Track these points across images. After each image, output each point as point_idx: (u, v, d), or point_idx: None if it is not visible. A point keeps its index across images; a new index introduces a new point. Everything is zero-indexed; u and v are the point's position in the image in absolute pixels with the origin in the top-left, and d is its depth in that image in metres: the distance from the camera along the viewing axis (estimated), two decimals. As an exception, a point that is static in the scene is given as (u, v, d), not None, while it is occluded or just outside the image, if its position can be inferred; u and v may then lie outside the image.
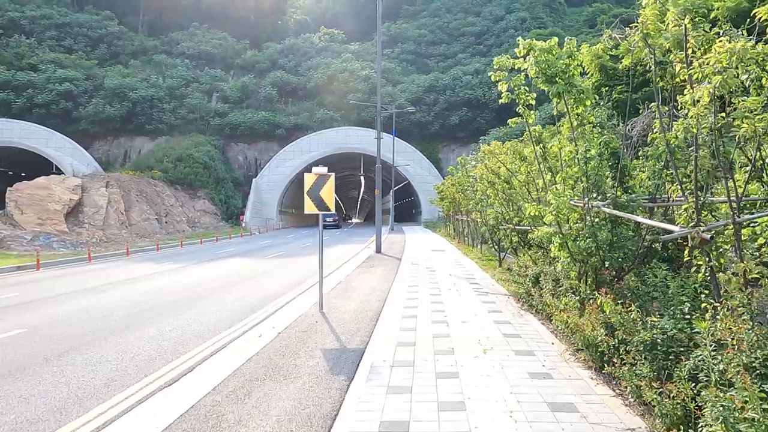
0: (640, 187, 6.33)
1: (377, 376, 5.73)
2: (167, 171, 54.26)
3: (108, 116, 63.88)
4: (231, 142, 68.92)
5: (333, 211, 9.22)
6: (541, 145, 7.40)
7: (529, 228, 9.79)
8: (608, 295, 5.39)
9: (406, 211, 79.63)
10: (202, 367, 6.47)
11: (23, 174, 52.73)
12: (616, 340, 5.08)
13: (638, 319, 4.86)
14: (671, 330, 4.54)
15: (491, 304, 9.76)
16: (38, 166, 55.87)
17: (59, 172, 53.05)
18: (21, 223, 35.91)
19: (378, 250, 22.28)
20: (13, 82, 63.81)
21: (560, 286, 7.95)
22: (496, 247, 15.47)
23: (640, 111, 8.92)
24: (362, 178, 77.67)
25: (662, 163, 5.97)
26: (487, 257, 18.21)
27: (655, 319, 4.63)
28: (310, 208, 9.16)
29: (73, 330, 8.83)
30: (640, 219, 5.36)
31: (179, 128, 66.77)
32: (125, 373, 6.50)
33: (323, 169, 9.06)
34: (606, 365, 5.33)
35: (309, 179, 9.10)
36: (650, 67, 5.77)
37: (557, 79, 6.02)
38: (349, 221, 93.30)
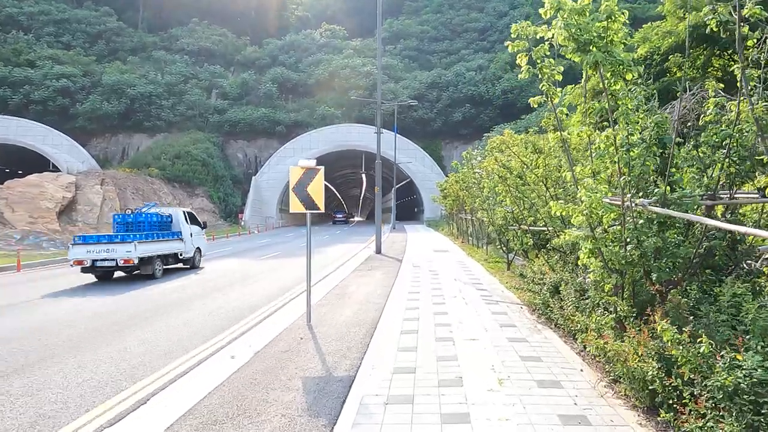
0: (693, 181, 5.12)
1: (367, 418, 4.56)
2: (165, 168, 53.20)
3: (105, 113, 62.83)
4: (230, 139, 67.81)
5: (322, 209, 8.04)
6: (567, 131, 6.19)
7: (545, 229, 8.60)
8: (664, 318, 4.20)
9: (408, 209, 78.50)
10: (154, 400, 5.31)
11: (20, 171, 51.73)
12: (678, 380, 3.89)
13: (711, 353, 3.68)
14: (756, 370, 3.37)
15: (503, 315, 8.58)
16: (35, 163, 54.85)
17: (56, 169, 52.02)
18: (11, 222, 34.86)
19: (378, 251, 21.12)
20: (10, 78, 62.84)
21: (585, 298, 6.77)
22: (504, 249, 14.29)
23: (677, 94, 7.71)
24: (364, 176, 76.57)
25: (724, 152, 4.77)
26: (493, 259, 17.03)
27: (740, 357, 3.45)
28: (296, 206, 7.99)
29: (26, 346, 7.69)
30: (713, 222, 4.17)
31: (178, 125, 65.69)
32: (64, 406, 5.35)
33: (311, 162, 7.89)
34: (661, 410, 4.15)
35: (295, 174, 7.93)
36: (710, 28, 4.58)
37: (592, 46, 4.84)
38: (352, 219, 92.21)
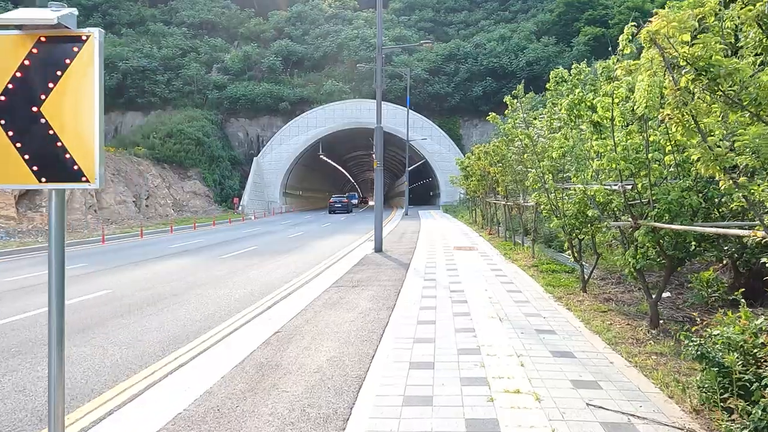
0: None
1: None
2: (154, 148, 48.09)
3: (94, 88, 57.82)
4: (231, 117, 62.56)
5: (98, 184, 2.42)
6: None
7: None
8: None
9: (423, 193, 72.66)
10: None
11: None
12: None
13: None
14: None
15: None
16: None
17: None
18: (-40, 207, 30.02)
19: (378, 249, 15.58)
20: (-9, 52, 58.09)
21: None
22: (575, 256, 8.61)
23: None
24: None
25: None
26: (546, 266, 11.24)
27: None
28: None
29: None
30: None
31: (174, 102, 60.66)
32: None
33: (46, 14, 2.30)
34: None
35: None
36: None
37: None
38: (364, 203, 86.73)
